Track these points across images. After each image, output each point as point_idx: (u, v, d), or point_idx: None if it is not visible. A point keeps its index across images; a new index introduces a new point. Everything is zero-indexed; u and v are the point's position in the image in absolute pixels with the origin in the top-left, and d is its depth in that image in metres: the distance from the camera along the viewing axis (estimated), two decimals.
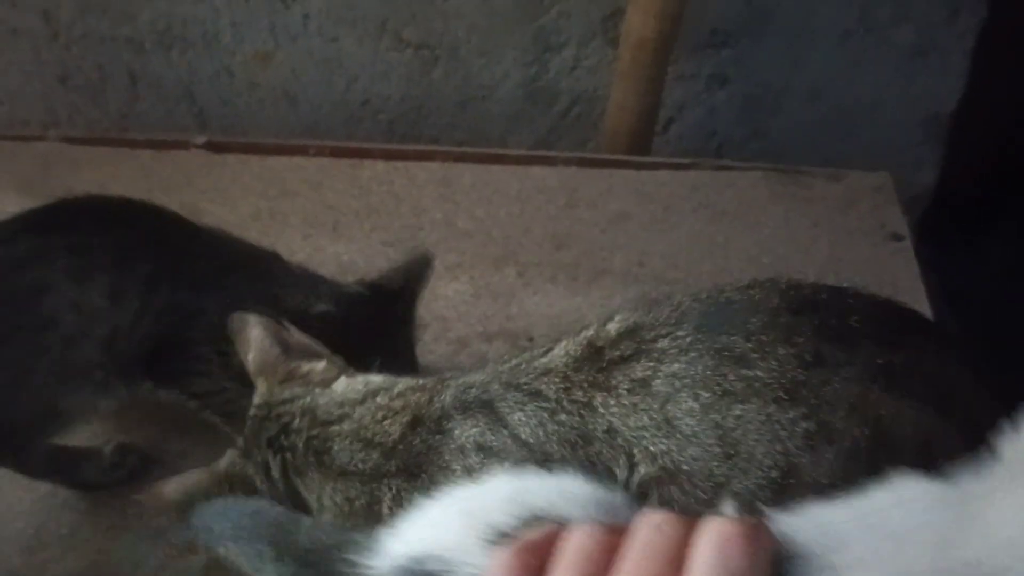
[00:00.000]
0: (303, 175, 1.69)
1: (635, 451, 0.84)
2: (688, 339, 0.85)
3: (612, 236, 1.52)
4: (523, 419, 0.87)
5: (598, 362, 0.87)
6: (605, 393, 0.85)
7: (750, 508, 0.78)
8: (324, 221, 1.56)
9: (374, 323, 1.20)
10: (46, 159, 1.70)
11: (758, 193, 1.57)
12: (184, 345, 1.21)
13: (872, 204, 1.54)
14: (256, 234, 1.43)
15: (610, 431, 0.84)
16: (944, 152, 1.94)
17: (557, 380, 0.87)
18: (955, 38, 1.80)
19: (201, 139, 1.76)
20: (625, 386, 0.85)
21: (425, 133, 1.96)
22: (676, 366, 0.84)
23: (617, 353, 0.87)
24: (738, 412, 0.82)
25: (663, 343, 0.85)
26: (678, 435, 0.83)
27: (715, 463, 0.82)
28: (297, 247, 1.49)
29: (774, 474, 0.81)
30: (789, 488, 0.81)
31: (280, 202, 1.62)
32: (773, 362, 0.82)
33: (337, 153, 1.74)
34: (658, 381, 0.84)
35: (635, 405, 0.84)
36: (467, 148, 1.82)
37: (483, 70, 1.88)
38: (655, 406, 0.83)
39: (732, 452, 0.82)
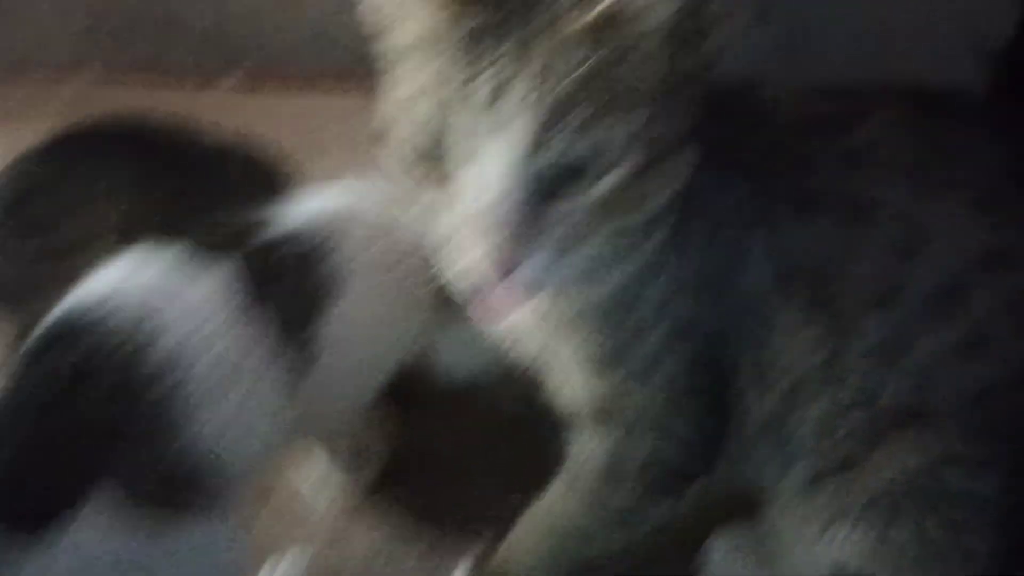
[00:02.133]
0: (342, 109, 1.64)
1: None
2: (892, 118, 0.83)
3: None
4: None
5: None
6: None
7: None
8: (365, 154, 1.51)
9: None
10: (82, 95, 1.68)
11: None
12: None
13: None
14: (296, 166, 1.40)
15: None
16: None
17: None
18: None
19: (232, 78, 1.73)
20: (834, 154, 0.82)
21: None
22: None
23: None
24: (932, 208, 0.79)
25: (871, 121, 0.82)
26: (864, 222, 0.80)
27: (893, 260, 0.79)
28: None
29: (946, 285, 0.78)
30: (952, 311, 0.78)
31: (318, 136, 1.57)
32: (982, 165, 0.81)
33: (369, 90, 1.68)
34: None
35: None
36: None
37: None
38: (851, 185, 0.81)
39: (915, 250, 0.78)
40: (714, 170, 0.80)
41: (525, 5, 0.68)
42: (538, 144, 0.66)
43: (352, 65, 1.89)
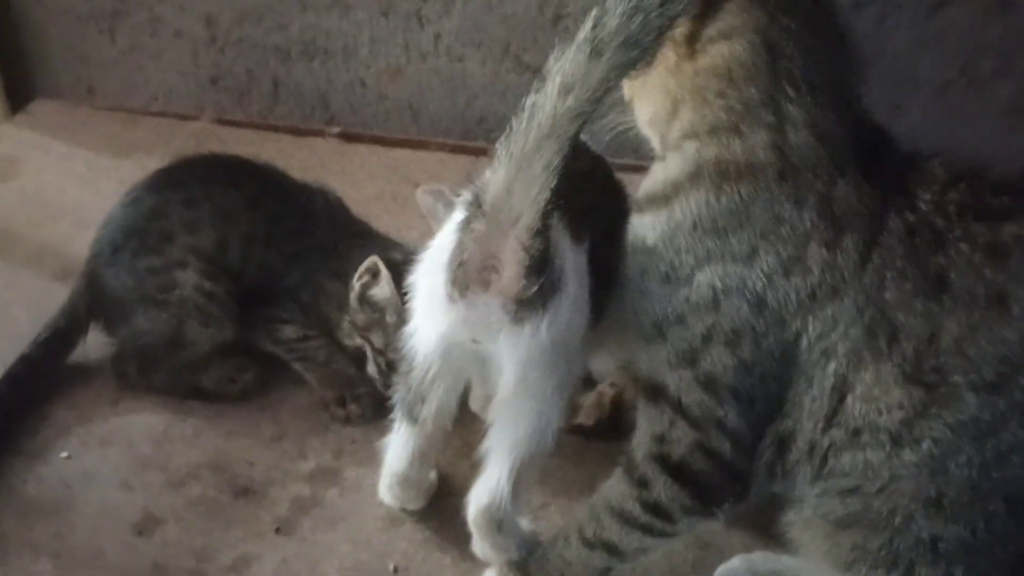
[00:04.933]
0: (424, 166, 1.84)
1: None
2: None
3: None
4: None
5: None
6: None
7: None
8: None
9: None
10: (199, 137, 1.89)
11: None
12: (268, 298, 1.39)
13: None
14: (377, 211, 1.60)
15: None
16: None
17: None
18: None
19: (335, 129, 1.93)
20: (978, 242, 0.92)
21: None
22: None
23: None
24: None
25: None
26: (994, 310, 0.91)
27: (1017, 351, 0.90)
28: (413, 224, 1.62)
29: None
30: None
31: (401, 187, 1.77)
32: None
33: (457, 150, 1.88)
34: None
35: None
36: None
37: None
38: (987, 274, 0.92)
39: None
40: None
41: None
42: None
43: (435, 135, 2.12)
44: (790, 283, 0.94)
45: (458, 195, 1.20)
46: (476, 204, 0.97)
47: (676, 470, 0.99)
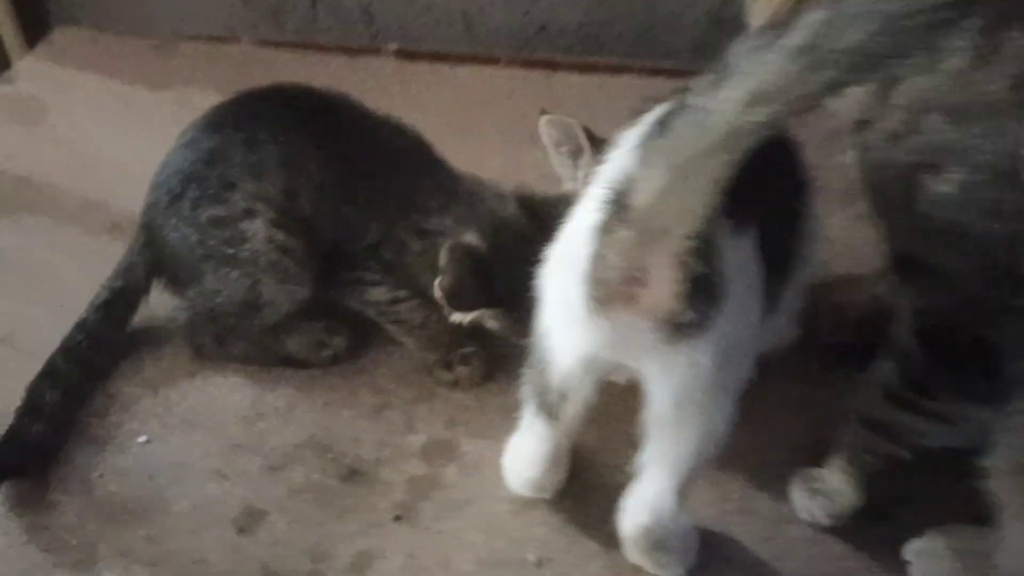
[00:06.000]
0: (495, 85, 1.65)
1: None
2: None
3: None
4: None
5: None
6: None
7: None
8: (519, 131, 1.49)
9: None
10: (241, 63, 1.70)
11: None
12: (351, 258, 1.20)
13: None
14: (452, 141, 1.39)
15: None
16: None
17: None
18: None
19: (393, 46, 1.73)
20: None
21: (600, 64, 1.88)
22: None
23: None
24: None
25: None
26: None
27: None
28: (493, 157, 1.44)
29: None
30: None
31: (471, 112, 1.58)
32: None
33: (529, 64, 1.68)
34: None
35: None
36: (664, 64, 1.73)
37: None
38: None
39: None
40: None
41: None
42: None
43: (491, 48, 1.93)
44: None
45: (588, 135, 1.09)
46: (619, 206, 0.79)
47: (930, 336, 0.93)
